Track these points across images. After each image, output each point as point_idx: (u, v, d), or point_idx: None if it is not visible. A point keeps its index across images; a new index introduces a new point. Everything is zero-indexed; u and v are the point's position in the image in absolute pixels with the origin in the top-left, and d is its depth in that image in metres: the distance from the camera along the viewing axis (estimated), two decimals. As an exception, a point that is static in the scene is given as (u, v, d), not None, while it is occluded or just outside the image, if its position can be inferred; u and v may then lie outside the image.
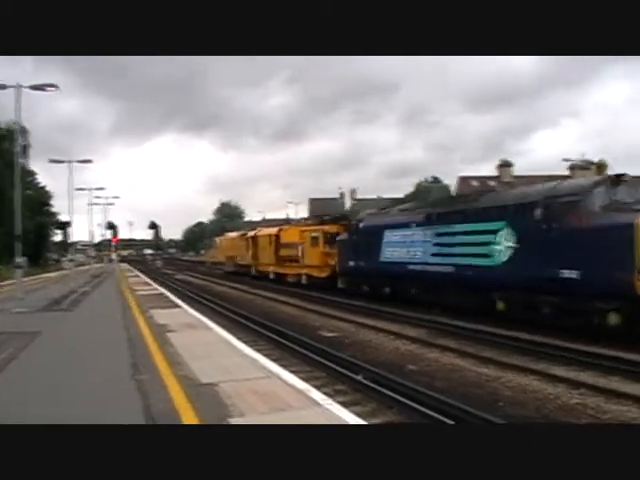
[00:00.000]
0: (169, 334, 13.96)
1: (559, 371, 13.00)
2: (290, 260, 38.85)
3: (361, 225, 28.48)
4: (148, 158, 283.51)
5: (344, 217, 36.81)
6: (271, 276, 42.76)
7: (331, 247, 32.56)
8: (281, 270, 41.19)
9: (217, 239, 70.67)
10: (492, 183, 66.20)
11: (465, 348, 15.94)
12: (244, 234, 52.97)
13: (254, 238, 48.25)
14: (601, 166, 64.06)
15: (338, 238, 31.38)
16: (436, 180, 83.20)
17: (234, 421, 6.74)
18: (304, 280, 36.30)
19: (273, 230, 44.18)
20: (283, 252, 40.31)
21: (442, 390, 11.28)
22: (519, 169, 74.69)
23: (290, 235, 39.78)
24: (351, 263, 28.62)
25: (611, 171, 64.55)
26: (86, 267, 61.47)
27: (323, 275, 33.66)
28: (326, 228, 34.54)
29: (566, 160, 53.27)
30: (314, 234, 35.17)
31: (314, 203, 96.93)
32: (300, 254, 36.82)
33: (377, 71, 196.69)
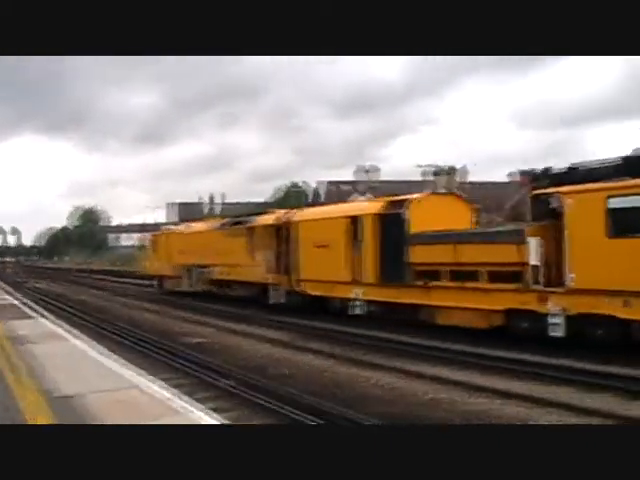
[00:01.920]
0: (26, 346, 13.12)
1: (426, 369, 13.58)
2: (465, 276, 16.21)
3: None
4: (6, 160, 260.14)
5: None
6: (357, 309, 19.97)
7: None
8: (409, 298, 17.99)
9: (151, 236, 41.03)
10: (360, 188, 65.64)
11: (335, 350, 16.29)
12: (239, 222, 28.28)
13: (283, 228, 24.06)
14: (451, 172, 65.51)
15: None
16: (295, 185, 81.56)
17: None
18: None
19: (367, 207, 20.69)
20: (441, 254, 16.97)
21: (314, 392, 11.39)
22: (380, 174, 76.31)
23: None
24: None
25: (473, 177, 67.61)
26: None
27: None
28: None
29: (419, 166, 56.52)
30: None
31: (173, 208, 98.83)
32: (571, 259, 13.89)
33: (245, 74, 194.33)
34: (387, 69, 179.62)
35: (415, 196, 19.30)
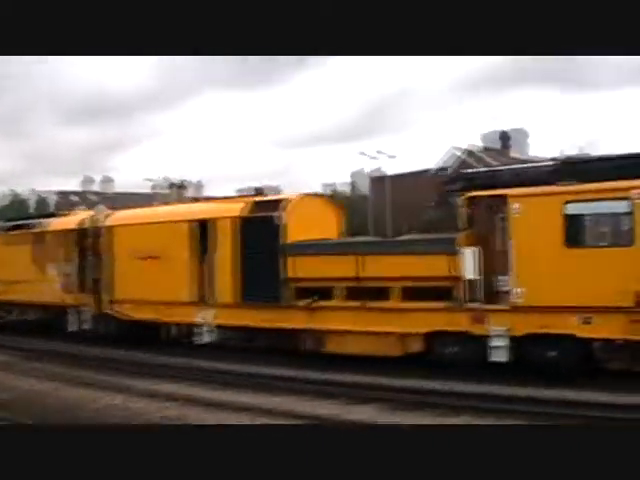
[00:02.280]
0: None
1: (156, 385, 13.47)
2: (370, 293, 13.85)
3: None
4: None
5: None
6: (205, 337, 16.26)
7: None
8: (286, 321, 14.96)
9: None
10: (92, 199, 65.74)
11: (57, 370, 15.70)
12: (21, 225, 23.43)
13: (90, 235, 19.75)
14: (181, 187, 66.61)
15: None
16: (16, 194, 76.04)
17: None
18: None
19: (223, 209, 17.27)
20: None
21: (41, 417, 10.91)
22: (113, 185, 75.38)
23: None
24: None
25: (208, 192, 68.40)
26: None
27: None
28: None
29: (149, 180, 57.44)
30: None
31: None
32: None
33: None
34: (122, 75, 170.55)
35: (291, 196, 16.28)
